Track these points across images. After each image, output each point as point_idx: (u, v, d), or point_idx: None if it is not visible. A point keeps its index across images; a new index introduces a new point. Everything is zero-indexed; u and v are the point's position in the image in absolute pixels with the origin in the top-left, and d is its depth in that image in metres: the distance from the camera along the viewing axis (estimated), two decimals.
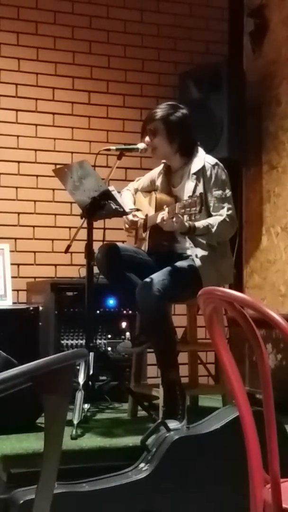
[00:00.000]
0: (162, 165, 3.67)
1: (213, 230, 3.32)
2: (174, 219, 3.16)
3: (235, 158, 4.73)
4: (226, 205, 3.41)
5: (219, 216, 3.36)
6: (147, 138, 3.53)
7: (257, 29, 5.01)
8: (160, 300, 3.23)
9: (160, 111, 3.52)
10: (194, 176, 3.44)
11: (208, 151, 3.63)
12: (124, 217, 3.57)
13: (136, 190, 3.79)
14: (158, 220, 3.25)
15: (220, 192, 3.42)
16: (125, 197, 3.70)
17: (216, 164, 3.48)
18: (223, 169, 3.49)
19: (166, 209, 3.23)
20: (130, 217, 3.54)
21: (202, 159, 3.48)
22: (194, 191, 3.37)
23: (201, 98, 4.76)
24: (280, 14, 4.81)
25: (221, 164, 3.50)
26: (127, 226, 3.61)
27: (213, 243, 3.39)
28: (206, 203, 3.37)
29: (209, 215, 3.38)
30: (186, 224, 3.20)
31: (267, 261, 4.86)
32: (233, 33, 5.27)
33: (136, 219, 3.56)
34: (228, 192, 3.45)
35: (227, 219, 3.37)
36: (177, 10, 5.15)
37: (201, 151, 3.54)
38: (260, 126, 4.94)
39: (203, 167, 3.44)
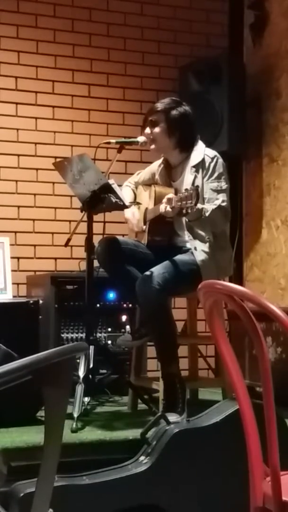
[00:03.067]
0: (162, 158, 3.67)
1: (207, 214, 3.31)
2: (171, 209, 3.17)
3: (235, 151, 4.72)
4: (221, 196, 3.41)
5: (213, 205, 3.36)
6: (147, 129, 3.53)
7: (257, 21, 4.99)
8: (160, 294, 3.23)
9: (163, 104, 3.53)
10: (194, 169, 3.45)
11: (208, 144, 3.63)
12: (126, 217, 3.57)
13: (137, 184, 3.79)
14: (161, 210, 3.24)
15: (215, 184, 3.42)
16: (124, 193, 3.69)
17: (215, 156, 3.48)
18: (222, 162, 3.49)
19: (165, 199, 3.23)
20: (128, 215, 3.54)
21: (202, 152, 3.49)
22: (193, 184, 3.37)
23: (201, 91, 4.75)
24: (281, 6, 4.79)
25: (220, 157, 3.50)
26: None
27: (207, 234, 3.39)
28: (202, 194, 3.36)
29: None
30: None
31: (267, 254, 4.86)
32: (233, 26, 5.25)
33: (135, 219, 3.56)
34: (224, 185, 3.44)
35: (220, 208, 3.37)
36: (177, 2, 5.14)
37: (200, 144, 3.54)
38: (260, 119, 4.93)
39: (203, 160, 3.45)
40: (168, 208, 3.18)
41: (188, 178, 3.45)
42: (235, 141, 4.68)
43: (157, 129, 3.50)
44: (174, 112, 3.50)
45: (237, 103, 4.72)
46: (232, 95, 4.68)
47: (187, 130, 3.52)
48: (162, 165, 3.64)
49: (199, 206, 3.28)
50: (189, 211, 3.09)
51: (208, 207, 3.33)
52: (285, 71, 4.73)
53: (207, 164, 3.44)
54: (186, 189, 3.15)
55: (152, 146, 3.55)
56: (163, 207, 3.22)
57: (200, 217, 3.30)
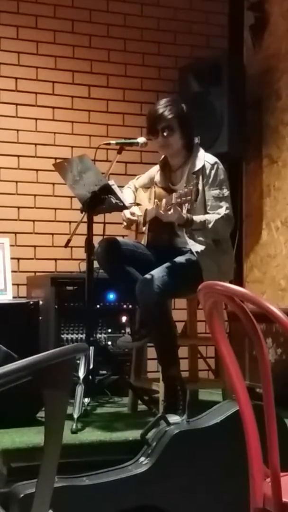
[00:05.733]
0: (160, 163, 3.66)
1: (209, 226, 3.32)
2: (172, 210, 3.16)
3: (235, 152, 4.72)
4: (224, 204, 3.41)
5: (217, 214, 3.37)
6: (160, 138, 3.47)
7: (257, 22, 5.00)
8: (161, 297, 3.24)
9: (170, 110, 3.46)
10: (194, 176, 3.44)
11: (208, 145, 3.64)
12: (122, 215, 3.55)
13: (136, 188, 3.79)
14: (161, 213, 3.24)
15: (217, 191, 3.42)
16: (126, 194, 3.69)
17: (216, 163, 3.48)
18: (222, 169, 3.49)
19: (164, 200, 3.24)
20: (128, 215, 3.52)
21: (202, 158, 3.48)
22: None
23: (201, 92, 4.75)
24: (281, 8, 4.80)
25: (220, 164, 3.50)
26: (125, 224, 3.59)
27: (208, 240, 3.40)
28: (204, 201, 3.37)
29: (206, 213, 3.39)
30: (184, 215, 3.21)
31: (267, 256, 4.86)
32: (233, 27, 5.26)
33: (134, 218, 3.54)
34: (226, 192, 3.44)
35: (224, 217, 3.38)
36: (177, 3, 5.14)
37: (201, 150, 3.54)
38: (260, 120, 4.94)
39: (203, 167, 3.45)
40: (169, 209, 3.17)
41: (188, 183, 3.44)
42: (235, 142, 4.68)
43: (174, 137, 3.47)
44: (184, 114, 3.49)
45: (237, 104, 4.72)
46: (232, 96, 4.68)
47: (193, 129, 3.55)
48: (160, 170, 3.63)
49: (201, 218, 3.29)
50: (189, 207, 3.09)
51: (211, 218, 3.33)
52: (285, 73, 4.73)
53: (207, 171, 3.44)
54: (185, 186, 3.16)
55: (167, 151, 3.53)
56: (162, 209, 3.21)
57: (203, 228, 3.31)
